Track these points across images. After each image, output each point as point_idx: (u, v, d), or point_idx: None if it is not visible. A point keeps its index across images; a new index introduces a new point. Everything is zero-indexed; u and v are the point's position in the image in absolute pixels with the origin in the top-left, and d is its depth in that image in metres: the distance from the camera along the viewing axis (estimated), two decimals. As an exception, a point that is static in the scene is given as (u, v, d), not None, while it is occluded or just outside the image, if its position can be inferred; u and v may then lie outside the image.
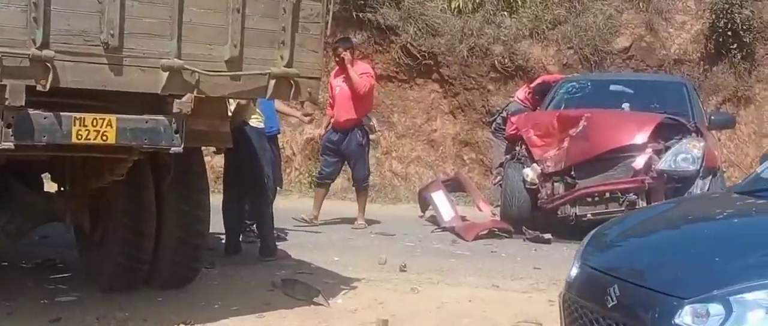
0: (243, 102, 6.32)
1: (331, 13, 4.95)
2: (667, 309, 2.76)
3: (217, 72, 4.68)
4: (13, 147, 4.33)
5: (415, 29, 10.18)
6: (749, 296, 2.64)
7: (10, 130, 4.28)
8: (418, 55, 10.20)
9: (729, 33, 9.78)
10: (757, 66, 10.15)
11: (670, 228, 3.65)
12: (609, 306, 3.00)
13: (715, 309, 2.64)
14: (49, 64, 4.72)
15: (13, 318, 5.07)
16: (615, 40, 10.11)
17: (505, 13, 10.22)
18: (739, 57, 9.98)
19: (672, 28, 10.29)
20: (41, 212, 5.78)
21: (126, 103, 4.74)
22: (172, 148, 4.64)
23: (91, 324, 4.93)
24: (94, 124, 4.48)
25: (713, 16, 9.90)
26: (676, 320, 2.74)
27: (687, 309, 2.70)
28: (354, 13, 9.97)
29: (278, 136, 7.72)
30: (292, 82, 4.79)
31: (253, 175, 6.50)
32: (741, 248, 3.11)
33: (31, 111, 4.41)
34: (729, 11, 9.70)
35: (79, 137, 4.48)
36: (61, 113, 4.47)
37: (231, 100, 6.18)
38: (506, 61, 10.13)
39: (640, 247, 3.45)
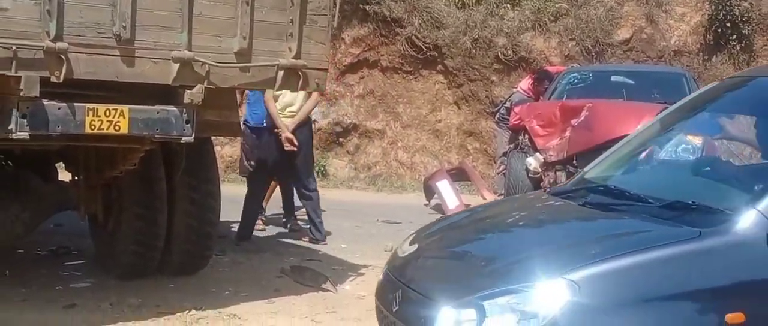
0: (312, 96, 6.22)
1: (338, 6, 5.06)
2: (430, 314, 2.76)
3: (227, 63, 4.79)
4: (28, 137, 4.57)
5: (420, 21, 10.28)
6: (500, 300, 2.61)
7: (25, 120, 4.46)
8: (423, 47, 10.31)
9: (728, 24, 9.85)
10: (756, 57, 10.26)
11: (462, 233, 3.61)
12: (393, 310, 3.02)
13: (468, 314, 2.63)
14: (62, 56, 4.74)
15: (27, 305, 5.10)
16: (616, 31, 10.19)
17: (508, 5, 10.35)
18: (737, 48, 10.06)
19: (672, 20, 10.35)
20: (55, 201, 5.86)
21: (138, 93, 4.85)
22: (183, 138, 4.72)
23: (105, 310, 4.97)
24: (107, 114, 4.55)
25: (712, 7, 9.96)
26: (436, 325, 2.79)
27: (444, 314, 2.69)
28: (360, 6, 10.08)
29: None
30: (300, 73, 4.87)
31: (308, 166, 6.65)
32: (505, 252, 3.08)
33: (45, 102, 4.68)
34: (728, 3, 9.78)
35: (93, 127, 4.56)
36: (75, 104, 4.59)
37: (298, 96, 6.13)
38: (509, 52, 10.22)
39: (429, 253, 3.41)
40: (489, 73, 10.32)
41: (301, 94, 6.23)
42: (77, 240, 6.59)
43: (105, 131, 4.59)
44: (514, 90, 9.44)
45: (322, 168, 9.57)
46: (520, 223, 3.59)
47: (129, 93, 4.71)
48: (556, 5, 10.38)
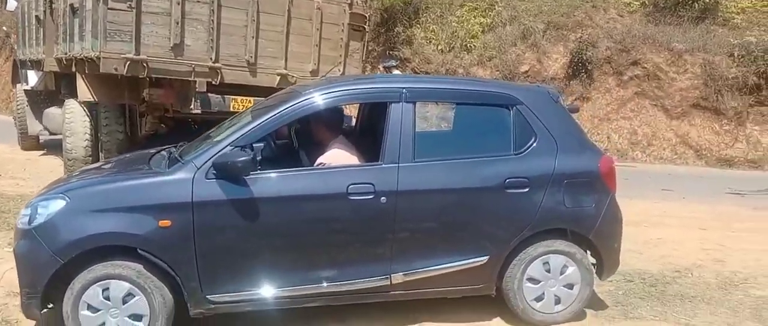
0: None
1: (365, 49, 6.45)
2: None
3: (305, 76, 5.92)
4: (200, 112, 5.46)
5: (419, 59, 13.13)
6: (41, 203, 2.99)
7: (199, 103, 5.48)
8: (420, 73, 12.96)
9: (580, 64, 12.14)
10: (594, 81, 12.45)
11: (95, 170, 3.58)
12: None
13: (27, 210, 3.03)
14: (218, 71, 5.57)
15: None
16: (520, 67, 12.65)
17: (465, 52, 13.21)
18: (584, 76, 12.31)
19: (550, 61, 12.74)
20: None
21: (258, 91, 5.80)
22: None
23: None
24: (242, 101, 5.67)
25: (571, 55, 12.32)
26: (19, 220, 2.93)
27: (23, 210, 3.02)
28: (387, 52, 12.64)
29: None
30: (344, 82, 6.19)
31: None
32: (75, 178, 3.31)
33: (210, 94, 5.52)
34: (579, 52, 12.19)
35: (234, 108, 5.59)
36: (225, 95, 5.61)
37: None
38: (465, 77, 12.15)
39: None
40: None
41: None
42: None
43: (240, 110, 5.51)
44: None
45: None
46: (110, 165, 3.67)
47: (253, 91, 5.72)
48: (490, 53, 12.93)
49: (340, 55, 6.34)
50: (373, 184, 3.09)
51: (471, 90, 3.45)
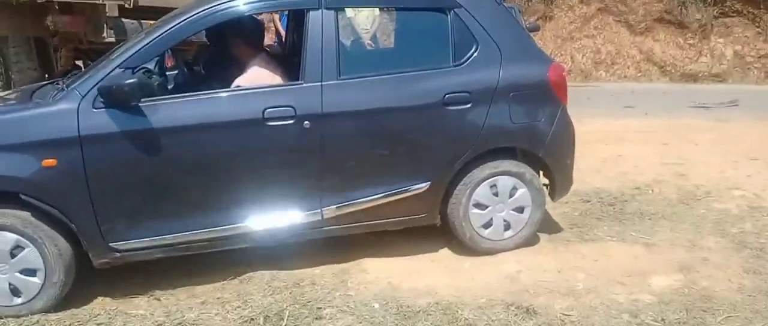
0: None
1: None
2: None
3: None
4: (114, 40, 5.04)
5: None
6: None
7: (112, 30, 5.10)
8: None
9: None
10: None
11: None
12: None
13: None
14: None
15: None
16: None
17: None
18: None
19: None
20: None
21: None
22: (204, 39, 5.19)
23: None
24: None
25: None
26: None
27: None
28: None
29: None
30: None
31: None
32: None
33: (123, 19, 5.13)
34: None
35: None
36: (142, 21, 5.24)
37: None
38: None
39: None
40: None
41: None
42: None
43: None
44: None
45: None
46: (13, 96, 3.28)
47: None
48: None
49: None
50: (293, 107, 2.76)
51: None
